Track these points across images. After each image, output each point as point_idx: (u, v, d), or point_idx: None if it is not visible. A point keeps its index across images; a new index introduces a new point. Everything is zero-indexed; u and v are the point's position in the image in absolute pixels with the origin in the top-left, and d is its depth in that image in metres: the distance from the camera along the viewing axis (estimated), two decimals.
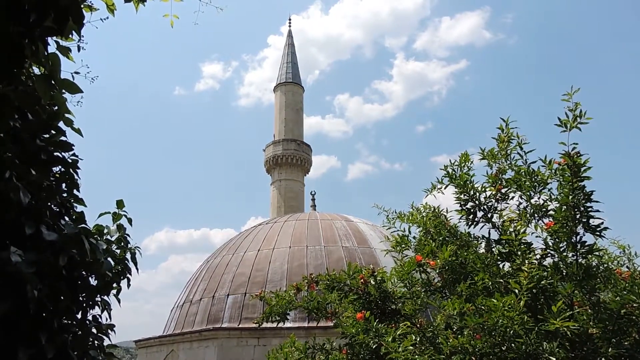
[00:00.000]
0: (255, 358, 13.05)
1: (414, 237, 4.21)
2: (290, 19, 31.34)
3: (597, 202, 3.17)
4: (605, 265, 4.88)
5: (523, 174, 3.62)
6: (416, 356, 3.03)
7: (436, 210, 4.16)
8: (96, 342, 2.62)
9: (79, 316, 2.58)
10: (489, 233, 3.82)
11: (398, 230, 4.28)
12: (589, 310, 3.57)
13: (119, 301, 2.93)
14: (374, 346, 3.16)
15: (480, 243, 4.08)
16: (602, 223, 3.23)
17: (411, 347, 3.11)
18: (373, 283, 3.62)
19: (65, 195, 2.61)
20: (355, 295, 3.74)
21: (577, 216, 3.20)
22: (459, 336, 3.08)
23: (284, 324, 4.23)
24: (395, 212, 4.81)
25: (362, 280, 3.62)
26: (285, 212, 24.22)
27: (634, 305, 3.07)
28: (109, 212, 3.15)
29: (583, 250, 3.28)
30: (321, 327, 10.13)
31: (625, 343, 3.08)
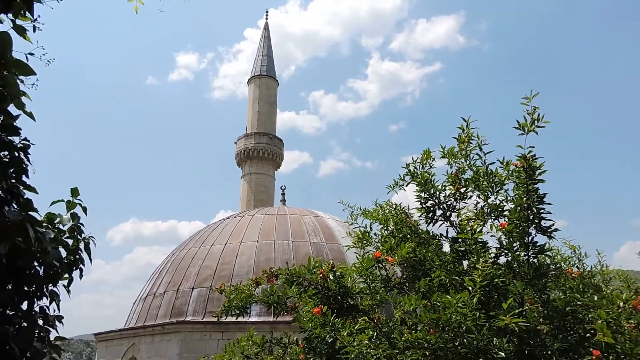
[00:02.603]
0: (219, 352, 12.97)
1: (375, 234, 4.25)
2: (267, 12, 31.09)
3: (549, 204, 3.29)
4: (558, 265, 5.08)
5: (481, 174, 3.71)
6: (370, 350, 3.07)
7: (398, 207, 4.22)
8: (42, 333, 2.53)
9: (24, 307, 2.49)
10: (447, 231, 3.90)
11: (360, 227, 4.31)
12: (540, 308, 3.70)
13: (68, 292, 2.85)
14: (330, 340, 3.19)
15: (440, 241, 4.16)
16: (553, 224, 3.35)
17: (367, 342, 3.15)
18: (332, 278, 3.64)
19: (13, 181, 2.51)
20: (314, 290, 3.75)
21: (530, 217, 3.30)
22: (413, 331, 3.14)
23: (245, 317, 4.21)
24: (360, 209, 4.86)
25: (321, 275, 3.64)
26: (255, 205, 24.09)
27: (578, 303, 3.19)
28: (62, 200, 3.05)
29: (534, 251, 3.39)
30: (286, 322, 10.14)
31: (569, 338, 3.20)
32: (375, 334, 3.45)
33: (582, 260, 5.17)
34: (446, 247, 4.18)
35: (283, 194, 20.60)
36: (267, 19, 30.66)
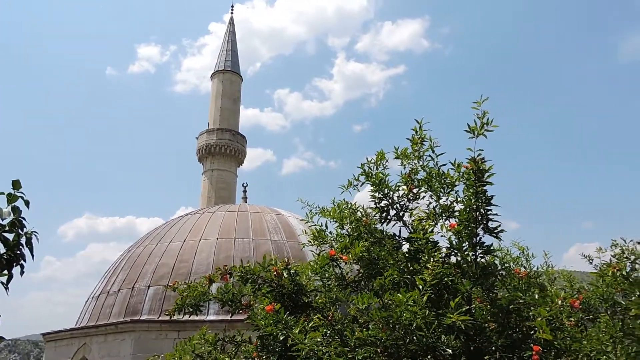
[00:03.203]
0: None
1: (330, 233, 4.29)
2: (232, 7, 30.65)
3: (496, 206, 3.42)
4: (506, 265, 5.27)
5: (434, 175, 3.81)
6: (322, 347, 3.10)
7: (353, 206, 4.27)
8: None
9: None
10: (400, 231, 3.98)
11: (316, 225, 4.34)
12: (488, 306, 3.84)
13: (7, 290, 2.72)
14: (282, 338, 3.19)
15: (398, 241, 4.24)
16: (500, 226, 3.48)
17: (319, 339, 3.17)
18: (286, 276, 3.65)
19: None
20: (269, 288, 3.74)
21: (478, 218, 3.42)
22: (364, 329, 3.18)
23: (202, 315, 4.14)
24: (319, 207, 4.88)
25: (275, 273, 3.63)
26: (216, 202, 23.74)
27: (520, 301, 3.34)
28: (3, 193, 2.91)
29: (482, 251, 3.51)
30: (244, 320, 10.05)
31: (513, 335, 3.34)
32: (328, 332, 3.48)
33: (529, 261, 5.42)
34: (406, 247, 4.28)
35: (245, 191, 20.40)
36: (232, 13, 30.28)
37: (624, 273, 3.33)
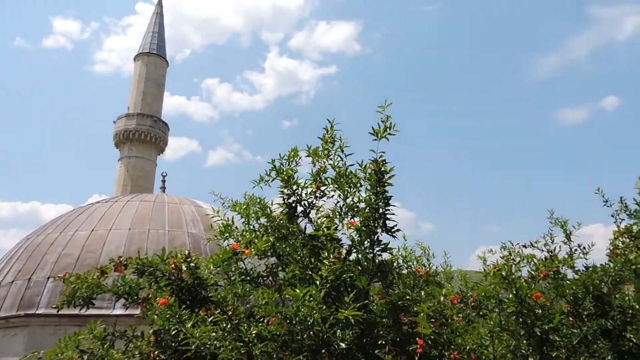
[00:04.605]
0: None
1: (237, 227, 4.25)
2: None
3: (394, 206, 3.58)
4: (409, 263, 5.55)
5: (342, 174, 3.91)
6: (216, 342, 3.05)
7: (262, 202, 4.26)
8: None
9: None
10: (305, 228, 4.03)
11: (222, 220, 4.28)
12: (385, 302, 4.01)
13: None
14: (174, 332, 3.10)
15: (302, 237, 4.29)
16: (396, 225, 3.65)
17: (214, 334, 3.13)
18: (185, 269, 3.55)
19: None
20: (167, 281, 3.62)
21: (377, 217, 3.56)
22: (260, 324, 3.19)
23: (86, 309, 3.90)
24: (231, 201, 4.81)
25: (173, 266, 3.52)
26: (132, 191, 22.57)
27: (407, 297, 3.53)
28: None
29: (379, 248, 3.66)
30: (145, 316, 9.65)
31: (404, 330, 3.52)
32: (228, 326, 3.44)
33: (429, 260, 5.75)
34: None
35: (164, 181, 19.61)
36: None
37: (503, 273, 3.63)
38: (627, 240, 4.32)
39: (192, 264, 3.56)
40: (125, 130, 24.37)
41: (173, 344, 3.50)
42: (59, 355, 3.34)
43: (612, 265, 3.98)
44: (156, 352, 3.37)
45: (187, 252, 3.64)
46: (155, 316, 3.15)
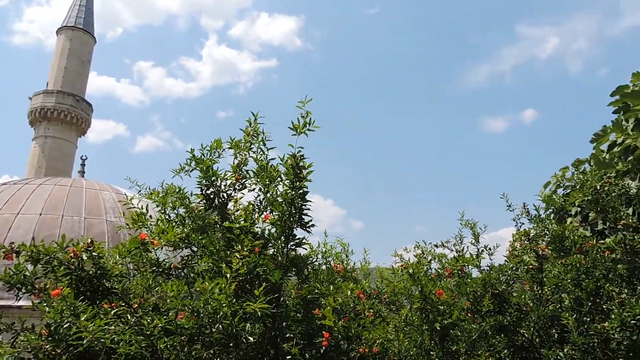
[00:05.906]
0: None
1: (151, 217, 4.08)
2: None
3: (309, 201, 3.60)
4: (328, 259, 5.62)
5: (263, 167, 3.87)
6: (114, 336, 2.90)
7: (181, 191, 4.12)
8: None
9: None
10: (222, 220, 3.95)
11: (136, 208, 4.08)
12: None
13: None
14: (66, 325, 2.91)
15: (220, 229, 4.20)
16: (311, 220, 3.68)
17: (112, 328, 2.97)
18: (86, 258, 3.34)
19: None
20: (66, 270, 3.39)
21: (293, 212, 3.57)
22: (164, 317, 3.07)
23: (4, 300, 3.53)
24: (149, 189, 4.61)
25: (72, 254, 3.30)
26: (47, 174, 20.99)
27: (316, 292, 3.58)
28: None
29: (293, 243, 3.67)
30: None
31: (313, 323, 3.56)
32: (133, 320, 3.28)
33: (348, 256, 5.88)
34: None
35: (83, 165, 18.44)
36: None
37: (410, 271, 3.79)
38: (525, 242, 4.67)
39: (94, 253, 3.35)
40: (42, 108, 22.52)
41: (68, 338, 3.28)
42: None
43: (508, 265, 4.28)
44: (48, 347, 3.14)
45: (89, 240, 3.42)
46: (47, 308, 2.93)
